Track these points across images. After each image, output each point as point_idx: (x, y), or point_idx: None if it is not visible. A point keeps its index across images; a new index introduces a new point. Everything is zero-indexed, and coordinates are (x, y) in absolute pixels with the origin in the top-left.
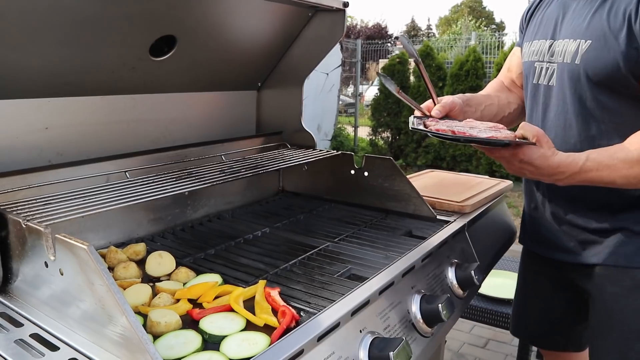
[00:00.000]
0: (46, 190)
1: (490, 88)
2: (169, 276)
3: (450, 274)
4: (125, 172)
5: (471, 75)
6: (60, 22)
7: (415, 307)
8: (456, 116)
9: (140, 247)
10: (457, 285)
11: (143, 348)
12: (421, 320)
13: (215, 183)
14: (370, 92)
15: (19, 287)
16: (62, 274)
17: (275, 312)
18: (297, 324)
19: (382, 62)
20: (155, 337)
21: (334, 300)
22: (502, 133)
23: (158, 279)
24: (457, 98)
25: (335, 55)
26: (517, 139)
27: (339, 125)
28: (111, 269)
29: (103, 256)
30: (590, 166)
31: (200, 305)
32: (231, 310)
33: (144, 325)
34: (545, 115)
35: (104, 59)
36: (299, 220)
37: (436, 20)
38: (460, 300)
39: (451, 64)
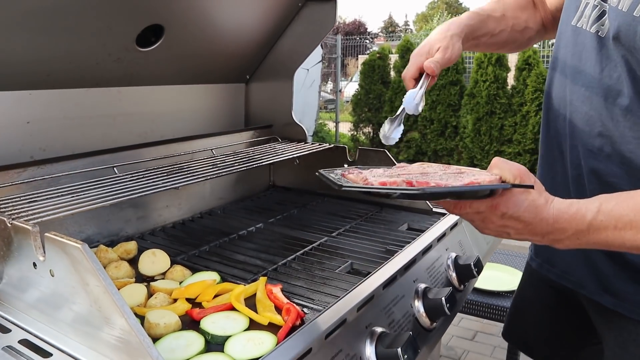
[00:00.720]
0: (30, 187)
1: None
2: (163, 275)
3: (450, 266)
4: (113, 167)
5: (451, 69)
6: (40, 8)
7: (417, 301)
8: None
9: (131, 246)
10: (456, 278)
11: (145, 352)
12: (424, 314)
13: (208, 178)
14: (349, 88)
15: (5, 291)
16: (52, 275)
17: (278, 309)
18: (302, 321)
19: (362, 58)
20: (155, 339)
21: (338, 296)
22: (475, 176)
23: (152, 279)
24: (457, 37)
25: (315, 51)
26: (502, 183)
27: (320, 121)
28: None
29: None
30: (605, 222)
31: (199, 305)
32: (232, 309)
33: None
34: (575, 78)
35: (88, 48)
36: (292, 215)
37: (413, 17)
38: (460, 292)
39: None
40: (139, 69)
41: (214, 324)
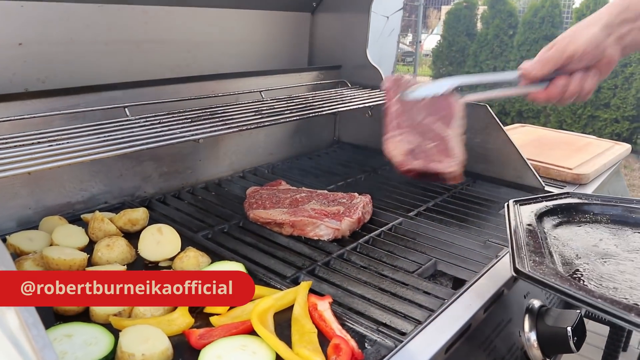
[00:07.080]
0: (12, 127)
1: None
2: (171, 261)
3: None
4: (124, 107)
5: (546, 22)
6: None
7: (528, 326)
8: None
9: (139, 214)
10: None
11: None
12: (535, 345)
13: (243, 128)
14: (429, 41)
15: None
16: None
17: (323, 336)
18: None
19: (445, 9)
20: None
21: (419, 322)
22: None
23: (155, 265)
24: (585, 25)
25: None
26: None
27: (396, 74)
28: (94, 242)
29: (87, 223)
30: None
31: (206, 319)
32: (253, 332)
33: (112, 353)
34: None
35: None
36: (358, 181)
37: None
38: None
39: (524, 11)
40: None
41: (218, 359)
